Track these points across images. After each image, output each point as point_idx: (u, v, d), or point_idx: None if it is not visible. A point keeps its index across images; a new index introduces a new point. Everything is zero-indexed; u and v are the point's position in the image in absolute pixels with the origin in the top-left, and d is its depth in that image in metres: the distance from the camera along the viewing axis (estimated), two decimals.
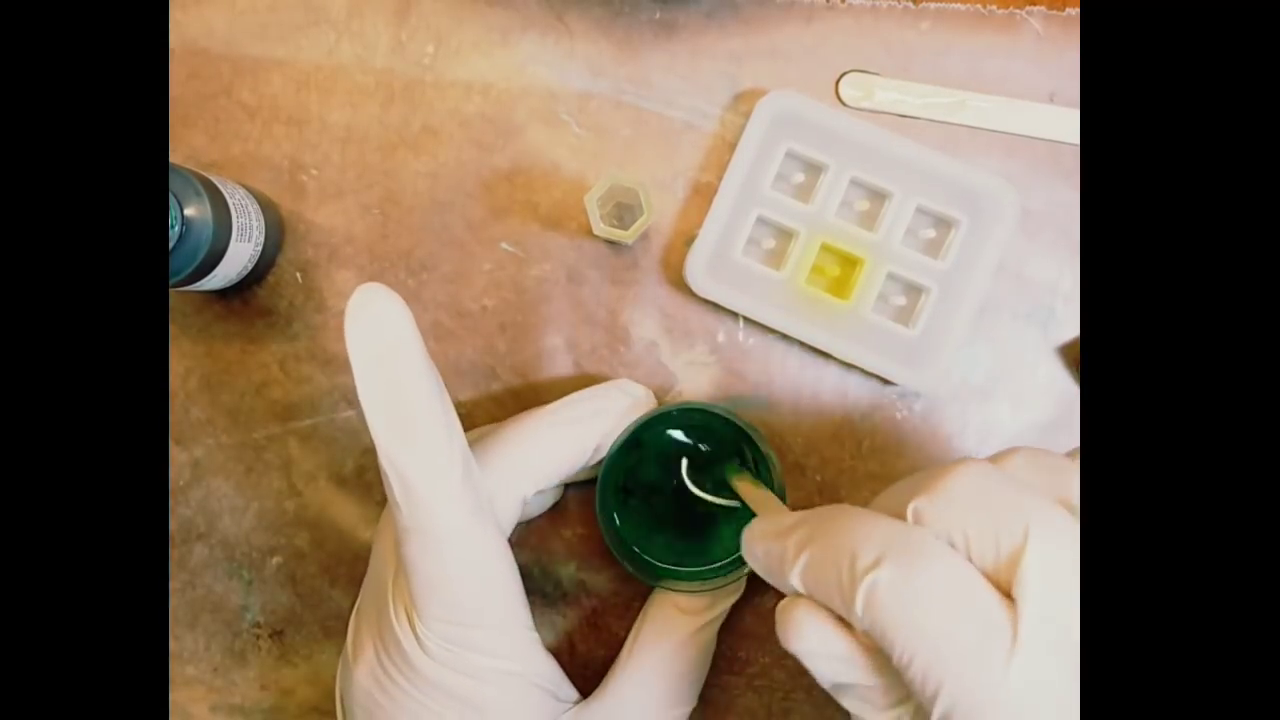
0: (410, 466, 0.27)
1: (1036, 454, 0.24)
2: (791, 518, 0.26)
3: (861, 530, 0.23)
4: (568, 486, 0.36)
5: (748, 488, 0.31)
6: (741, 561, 0.33)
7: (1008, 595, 0.21)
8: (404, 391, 0.27)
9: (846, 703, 0.24)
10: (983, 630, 0.20)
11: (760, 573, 0.26)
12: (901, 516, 0.23)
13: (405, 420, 0.27)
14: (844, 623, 0.23)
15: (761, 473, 0.33)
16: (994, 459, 0.24)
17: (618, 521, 0.34)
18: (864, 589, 0.22)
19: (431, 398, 0.27)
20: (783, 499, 0.32)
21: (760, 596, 0.36)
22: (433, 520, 0.28)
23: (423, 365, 0.27)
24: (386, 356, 0.27)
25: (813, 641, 0.23)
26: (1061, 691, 0.20)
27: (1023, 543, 0.21)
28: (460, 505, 0.28)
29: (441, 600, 0.28)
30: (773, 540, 0.25)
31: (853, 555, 0.22)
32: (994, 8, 0.35)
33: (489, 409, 0.36)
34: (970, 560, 0.22)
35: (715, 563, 0.34)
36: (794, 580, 0.24)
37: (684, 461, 0.34)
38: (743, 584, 0.34)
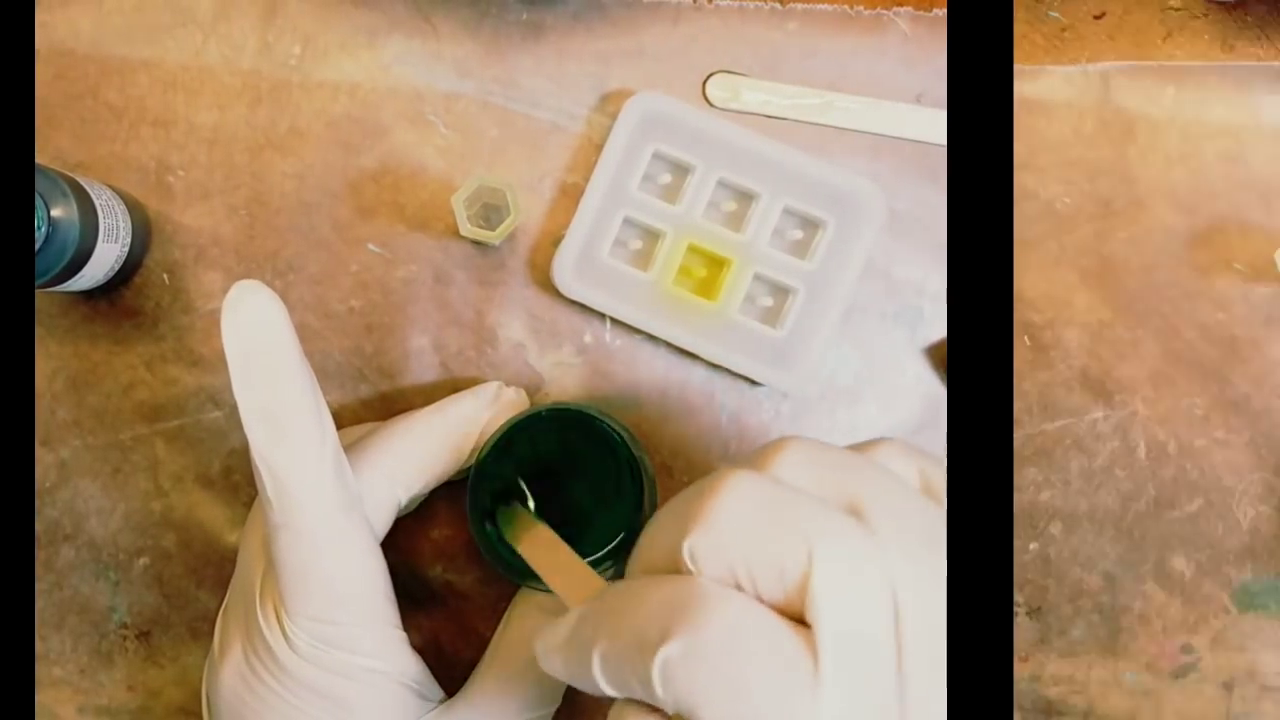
0: (282, 463, 0.27)
1: (813, 450, 0.22)
2: (575, 612, 0.23)
3: (640, 605, 0.20)
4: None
5: (538, 551, 0.28)
6: (605, 560, 0.33)
7: (804, 623, 0.19)
8: (278, 388, 0.27)
9: None
10: (783, 671, 0.19)
11: (573, 684, 0.23)
12: (677, 559, 0.21)
13: (279, 417, 0.27)
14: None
15: (634, 476, 0.32)
16: (762, 459, 0.22)
17: (488, 523, 0.34)
18: (658, 671, 0.19)
19: (305, 395, 0.27)
20: (653, 506, 0.32)
21: None
22: (304, 517, 0.28)
23: (297, 362, 0.27)
24: (261, 353, 0.27)
25: None
26: (879, 701, 0.19)
27: (808, 565, 0.19)
28: (331, 503, 0.28)
29: (310, 597, 0.28)
30: (568, 648, 0.22)
31: (639, 637, 0.20)
32: (861, 8, 0.35)
33: (356, 410, 0.36)
34: (761, 596, 0.20)
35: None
36: (602, 684, 0.21)
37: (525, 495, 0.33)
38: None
